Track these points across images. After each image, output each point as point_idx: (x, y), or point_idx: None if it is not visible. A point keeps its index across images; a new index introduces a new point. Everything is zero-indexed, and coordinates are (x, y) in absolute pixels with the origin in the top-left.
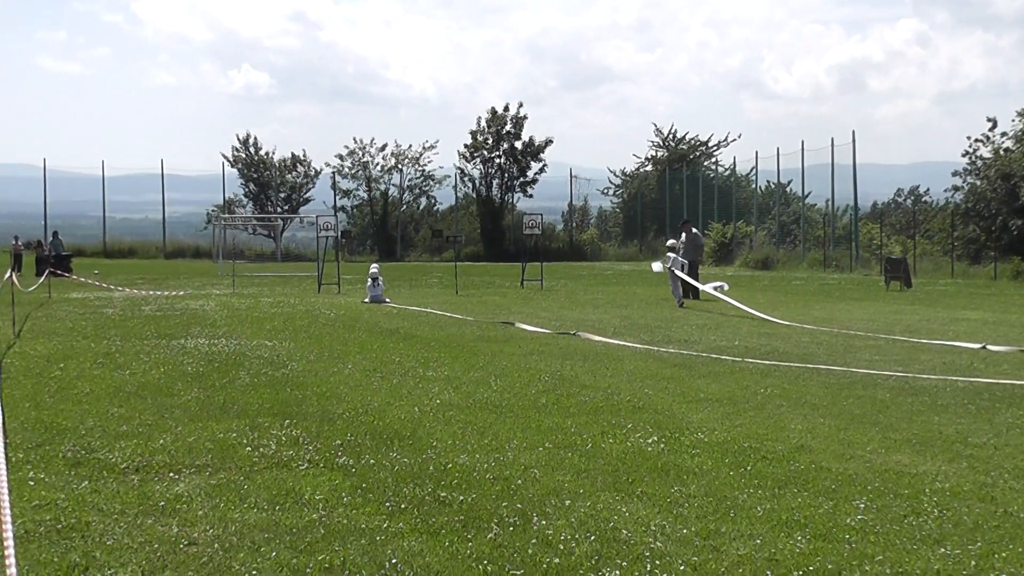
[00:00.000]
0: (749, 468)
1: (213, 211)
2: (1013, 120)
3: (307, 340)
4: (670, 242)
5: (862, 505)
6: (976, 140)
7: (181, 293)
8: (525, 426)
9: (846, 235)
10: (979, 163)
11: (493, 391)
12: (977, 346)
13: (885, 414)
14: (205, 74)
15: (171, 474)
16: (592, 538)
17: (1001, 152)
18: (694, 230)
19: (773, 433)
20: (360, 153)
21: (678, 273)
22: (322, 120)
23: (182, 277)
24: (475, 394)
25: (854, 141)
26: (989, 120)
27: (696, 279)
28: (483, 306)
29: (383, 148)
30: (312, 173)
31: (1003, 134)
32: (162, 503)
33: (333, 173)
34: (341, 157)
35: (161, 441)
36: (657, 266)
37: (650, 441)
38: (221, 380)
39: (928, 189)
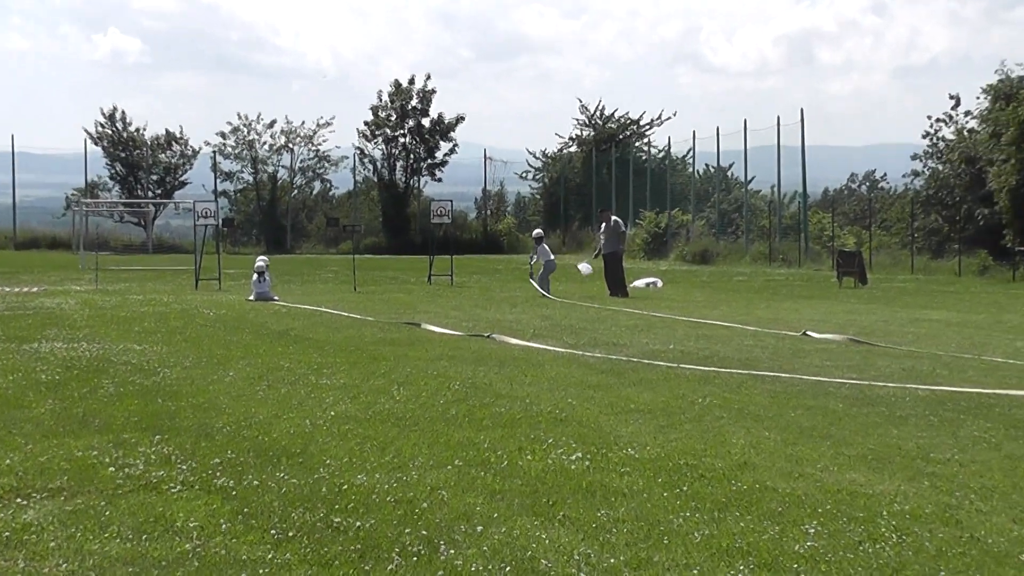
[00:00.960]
0: (685, 488)
1: (73, 195)
2: (978, 97)
3: (183, 343)
4: (537, 232)
5: (812, 530)
6: (938, 120)
7: (35, 289)
8: (432, 441)
9: (794, 225)
10: (941, 145)
11: (396, 401)
12: (942, 352)
13: (838, 426)
14: (65, 38)
15: (19, 499)
16: (507, 569)
17: (965, 133)
18: (614, 218)
19: (712, 448)
20: (245, 130)
21: (535, 285)
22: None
23: (36, 271)
24: (375, 405)
25: (803, 120)
26: (952, 97)
27: (621, 273)
28: (385, 304)
29: (271, 125)
30: (190, 153)
31: (967, 113)
32: (7, 534)
33: (214, 153)
34: (223, 135)
35: (8, 461)
36: (585, 268)
37: (574, 458)
38: (81, 390)
39: (885, 174)
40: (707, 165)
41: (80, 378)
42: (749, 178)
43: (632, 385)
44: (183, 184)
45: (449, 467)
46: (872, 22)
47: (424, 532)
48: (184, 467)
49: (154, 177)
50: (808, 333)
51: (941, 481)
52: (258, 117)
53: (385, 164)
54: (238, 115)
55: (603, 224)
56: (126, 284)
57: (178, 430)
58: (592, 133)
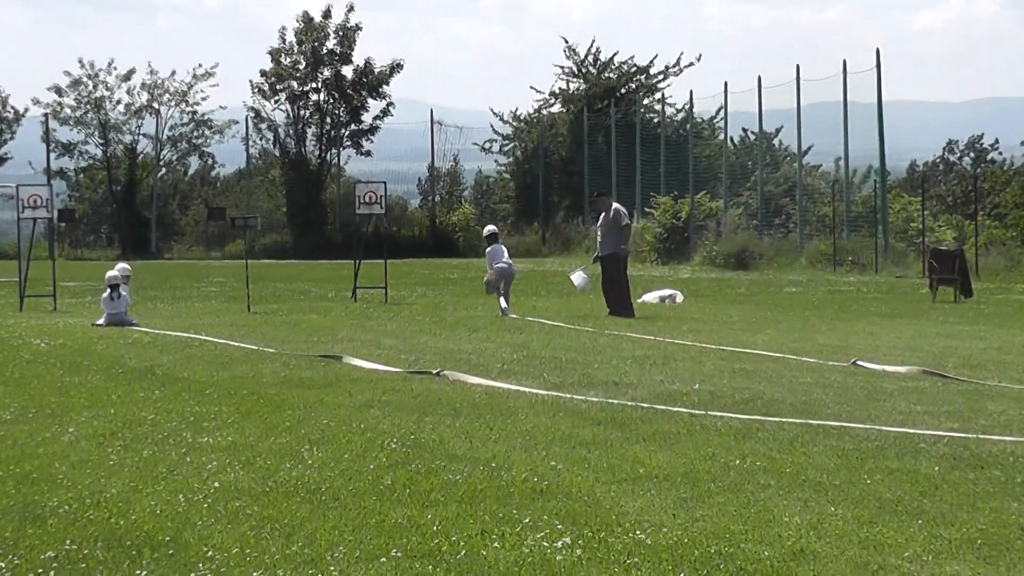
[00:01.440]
0: None
1: None
2: None
3: (1, 388)
4: (489, 229)
5: None
6: None
7: None
8: (359, 523)
9: (868, 214)
10: None
11: (307, 467)
12: None
13: (932, 498)
14: None
15: None
16: None
17: None
18: (615, 206)
19: (756, 531)
20: (90, 84)
21: (498, 297)
22: (28, 32)
23: None
24: (277, 472)
25: (879, 66)
26: None
27: (624, 282)
28: (291, 330)
29: (128, 76)
30: (10, 116)
31: None
32: None
33: (45, 116)
34: (59, 91)
35: None
36: (580, 278)
37: (559, 545)
38: None
39: (997, 141)
40: (745, 131)
41: None
42: (804, 148)
43: (641, 441)
44: (1, 161)
45: (383, 560)
46: None
47: None
48: (3, 565)
49: None
50: (860, 363)
51: None
52: (109, 65)
53: (291, 131)
54: (80, 62)
55: (601, 215)
56: None
57: None
58: (583, 86)
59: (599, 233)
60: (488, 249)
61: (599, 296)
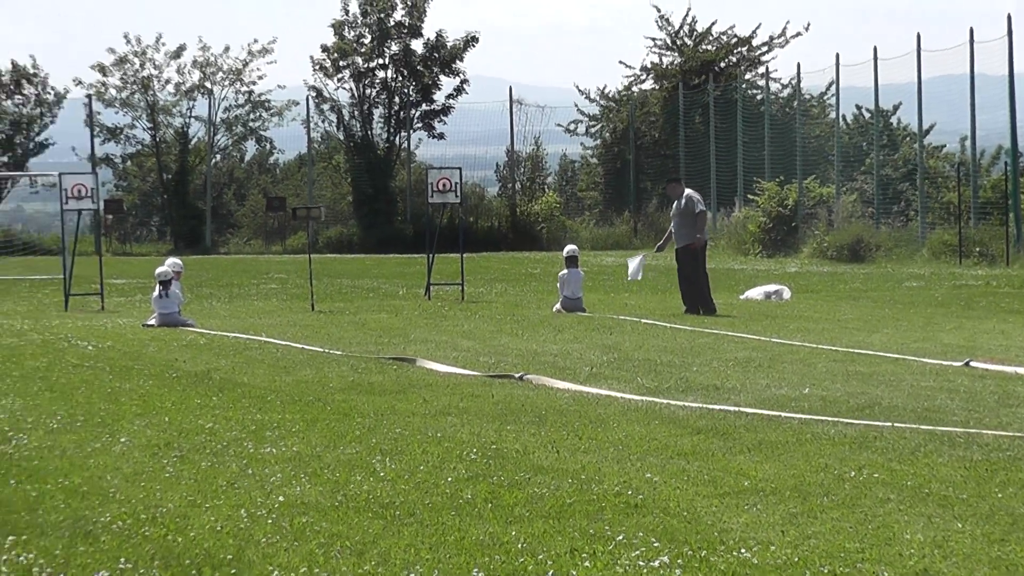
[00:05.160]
0: None
1: None
2: None
3: (46, 395)
4: (569, 249)
5: None
6: None
7: None
8: (436, 541)
9: (998, 200)
10: None
11: (379, 479)
12: None
13: None
14: None
15: None
16: None
17: None
18: (688, 192)
19: (874, 549)
20: (137, 62)
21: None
22: (68, 4)
23: None
24: (346, 486)
25: (1010, 32)
26: None
27: (702, 276)
28: (360, 331)
29: (178, 54)
30: (50, 98)
31: None
32: None
33: (89, 98)
34: (103, 69)
35: None
36: (633, 265)
37: (656, 564)
38: None
39: None
40: (859, 108)
41: None
42: (925, 127)
43: (746, 451)
44: (42, 147)
45: None
46: None
47: None
48: None
49: None
50: (973, 364)
51: None
52: (157, 41)
53: (355, 113)
54: (125, 37)
55: (675, 202)
56: None
57: (42, 528)
58: (678, 60)
59: (674, 221)
60: (562, 273)
61: (676, 292)
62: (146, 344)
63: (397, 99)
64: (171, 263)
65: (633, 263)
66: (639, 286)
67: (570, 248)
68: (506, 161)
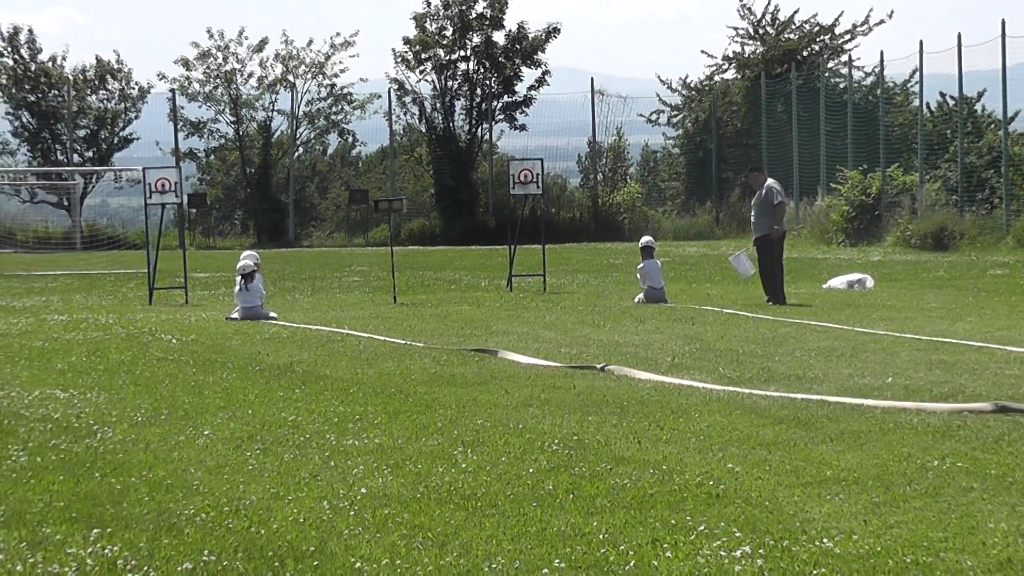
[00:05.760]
0: None
1: None
2: None
3: (130, 388)
4: (644, 241)
5: None
6: None
7: None
8: (518, 532)
9: None
10: None
11: (461, 471)
12: None
13: None
14: None
15: None
16: None
17: None
18: (769, 182)
19: (958, 539)
20: (220, 57)
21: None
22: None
23: None
24: (428, 477)
25: None
26: None
27: (777, 266)
28: (442, 323)
29: (260, 48)
30: (134, 93)
31: None
32: None
33: (172, 93)
34: (187, 64)
35: None
36: (744, 262)
37: (738, 554)
38: None
39: None
40: (943, 95)
41: None
42: (1010, 114)
43: (828, 441)
44: (126, 142)
45: (545, 571)
46: None
47: None
48: None
49: (81, 132)
50: None
51: None
52: (240, 35)
53: (437, 105)
54: (208, 32)
55: (757, 192)
56: (42, 298)
57: (127, 521)
58: (760, 49)
59: (754, 211)
60: (640, 265)
61: (757, 282)
62: (229, 337)
63: (479, 91)
64: (252, 256)
65: (740, 264)
66: (727, 275)
67: (646, 239)
68: (588, 152)
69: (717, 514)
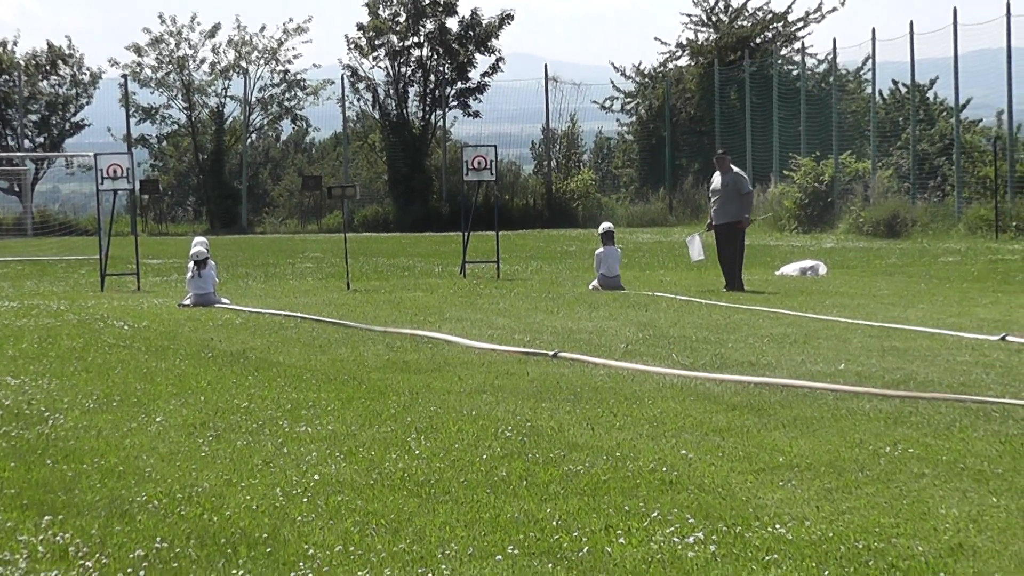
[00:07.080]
0: None
1: None
2: None
3: (82, 375)
4: (604, 226)
5: None
6: None
7: None
8: (472, 518)
9: None
10: None
11: (414, 457)
12: None
13: None
14: None
15: None
16: None
17: None
18: (736, 170)
19: (909, 524)
20: (172, 42)
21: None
22: None
23: None
24: (382, 464)
25: None
26: None
27: (736, 254)
28: (395, 309)
29: (213, 33)
30: (86, 78)
31: None
32: None
33: (124, 78)
34: (138, 50)
35: None
36: (696, 247)
37: (691, 540)
38: None
39: None
40: (895, 83)
41: None
42: (962, 102)
43: (781, 427)
44: (78, 128)
45: (499, 557)
46: None
47: None
48: (90, 564)
49: (32, 118)
50: (1009, 338)
51: None
52: (192, 20)
53: (391, 91)
54: (160, 17)
55: (716, 175)
56: None
57: (79, 508)
58: (714, 36)
59: (716, 197)
60: (599, 251)
61: (717, 267)
62: (181, 324)
63: (432, 77)
64: (202, 242)
65: (693, 246)
66: (680, 262)
67: (605, 225)
68: (541, 139)
69: (670, 500)
